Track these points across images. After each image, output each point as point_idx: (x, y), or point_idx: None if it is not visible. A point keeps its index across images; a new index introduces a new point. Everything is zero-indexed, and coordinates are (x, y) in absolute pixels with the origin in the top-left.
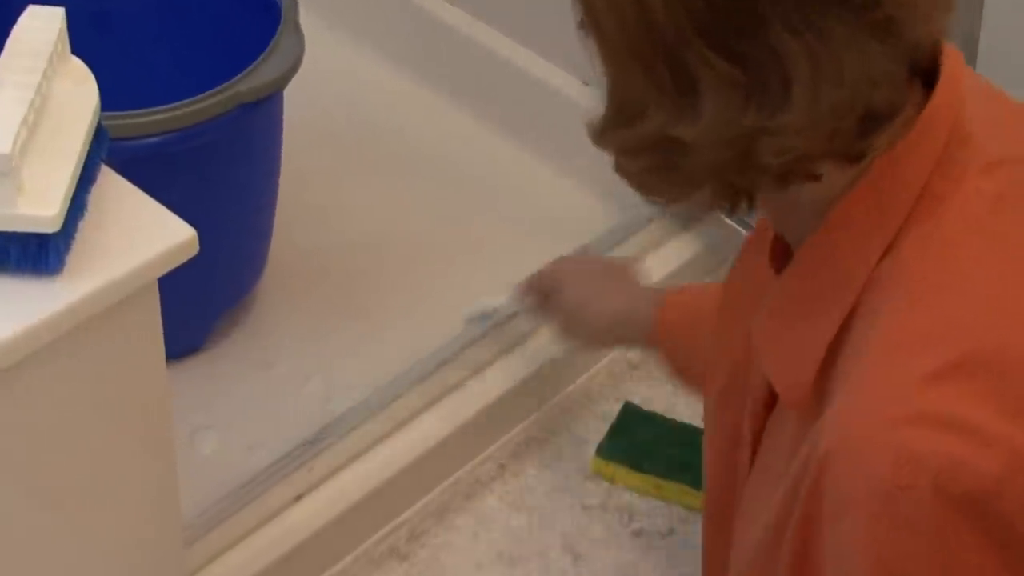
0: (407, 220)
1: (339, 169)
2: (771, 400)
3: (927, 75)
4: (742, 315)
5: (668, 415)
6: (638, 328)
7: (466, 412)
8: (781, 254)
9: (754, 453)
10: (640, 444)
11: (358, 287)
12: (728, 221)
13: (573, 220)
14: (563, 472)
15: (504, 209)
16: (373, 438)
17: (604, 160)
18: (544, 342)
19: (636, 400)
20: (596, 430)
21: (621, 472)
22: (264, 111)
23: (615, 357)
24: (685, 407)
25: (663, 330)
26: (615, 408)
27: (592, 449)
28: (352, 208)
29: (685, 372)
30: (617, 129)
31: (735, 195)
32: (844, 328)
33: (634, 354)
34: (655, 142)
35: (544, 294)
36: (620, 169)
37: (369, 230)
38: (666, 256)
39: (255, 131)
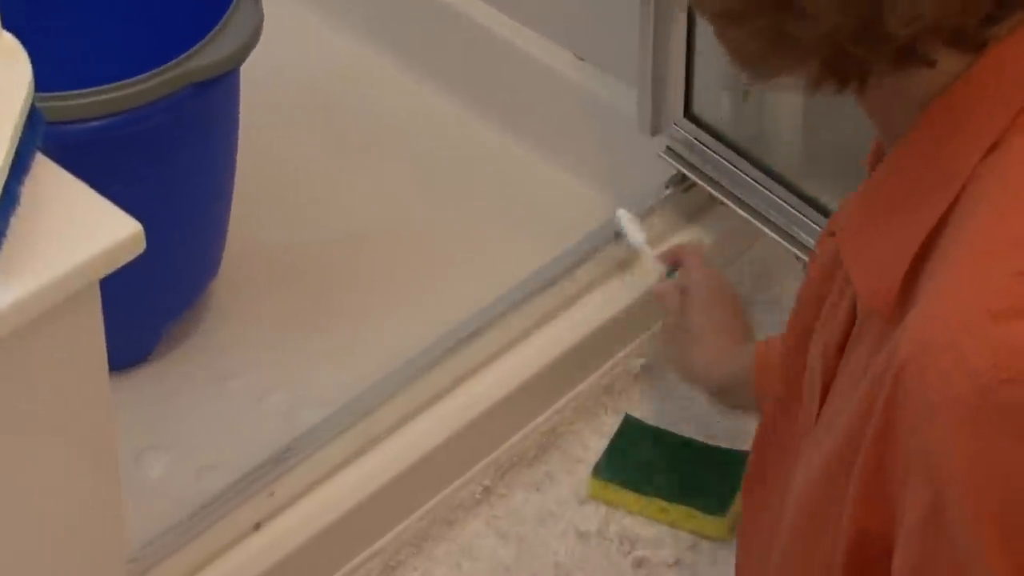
0: (382, 212)
1: (304, 155)
2: (845, 340)
3: None
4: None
5: (674, 430)
6: (739, 395)
7: (447, 427)
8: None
9: (820, 406)
10: (642, 463)
11: (326, 288)
12: (739, 212)
13: (568, 211)
14: (556, 495)
15: (492, 200)
16: (342, 458)
17: (601, 145)
18: (536, 348)
19: (638, 413)
20: (593, 447)
21: (621, 494)
22: (218, 91)
23: (613, 364)
24: (693, 421)
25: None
26: (614, 422)
27: (588, 469)
28: (319, 199)
29: None
30: None
31: (846, 72)
32: (937, 229)
33: (635, 361)
34: (764, 3)
35: (679, 286)
36: (720, 35)
37: (339, 223)
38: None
39: (208, 113)
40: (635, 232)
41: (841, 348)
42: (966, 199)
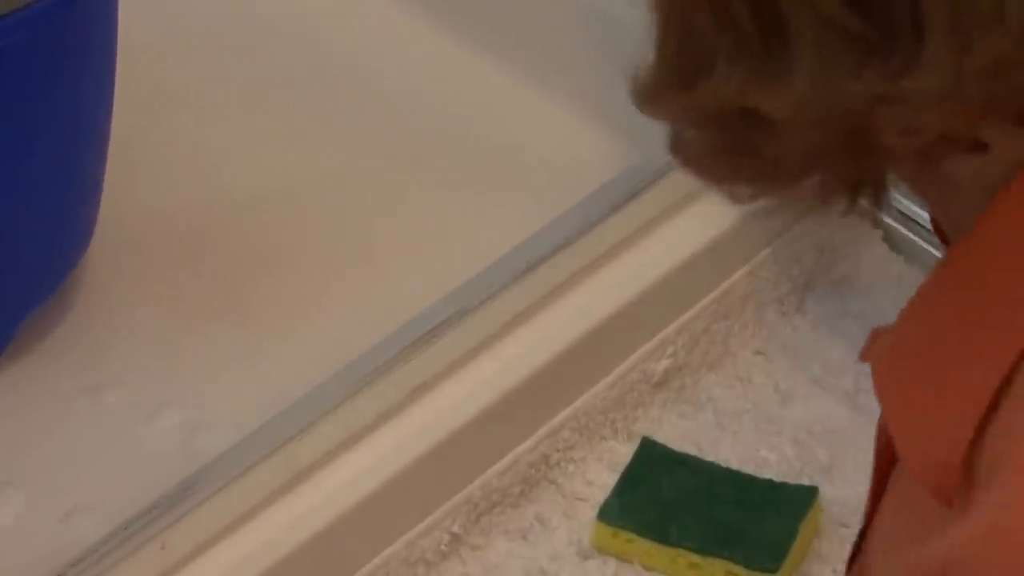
0: (320, 166)
1: (208, 93)
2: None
3: None
4: None
5: (709, 457)
6: None
7: (402, 455)
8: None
9: (879, 485)
10: (665, 502)
11: (237, 268)
12: None
13: (571, 164)
14: (549, 545)
15: (472, 149)
16: (259, 497)
17: (614, 77)
18: (523, 347)
19: (659, 436)
20: (598, 482)
21: (636, 544)
22: (86, 6)
23: (626, 368)
24: (735, 444)
25: None
26: (628, 448)
27: (593, 510)
28: (230, 148)
29: None
30: (672, 90)
31: (852, 187)
32: (1007, 380)
33: (656, 364)
34: (727, 114)
35: None
36: (677, 150)
37: (258, 181)
38: (702, 215)
39: (73, 36)
40: None
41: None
42: None
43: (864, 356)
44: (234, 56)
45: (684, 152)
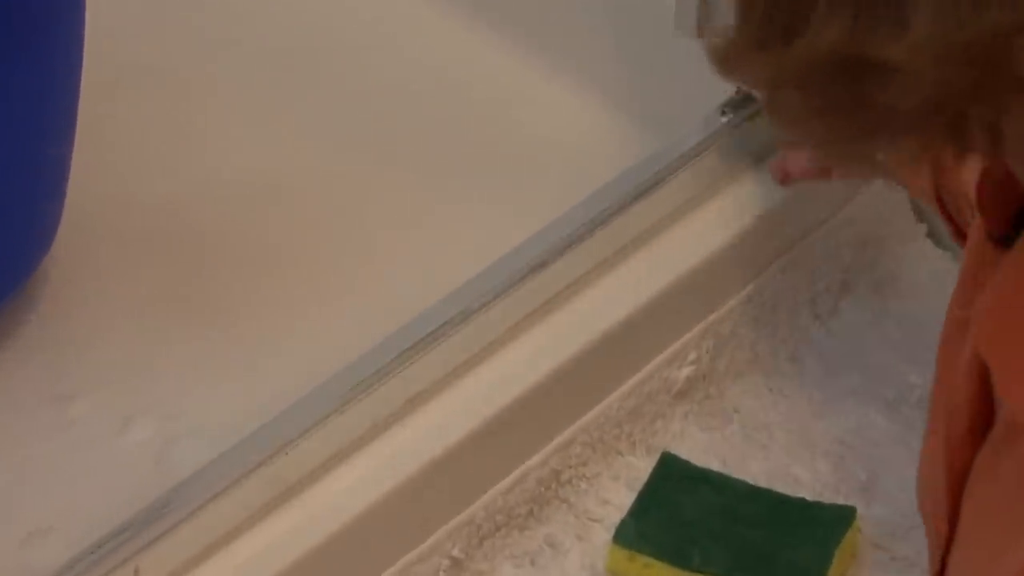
0: (312, 157)
1: (186, 73)
2: (975, 428)
3: None
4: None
5: (737, 474)
6: None
7: (397, 473)
8: (1003, 216)
9: (953, 512)
10: (688, 523)
11: (217, 267)
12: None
13: (585, 152)
14: (559, 570)
15: (476, 136)
16: (241, 517)
17: (626, 56)
18: (530, 352)
19: (680, 451)
20: (614, 501)
21: (655, 569)
22: None
23: (645, 375)
24: (761, 460)
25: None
26: (646, 464)
27: (608, 532)
28: (210, 136)
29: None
30: (766, 48)
31: (968, 134)
32: None
33: (678, 371)
34: (832, 67)
35: None
36: (773, 113)
37: (239, 173)
38: (728, 207)
39: (36, 11)
40: None
41: (972, 438)
42: None
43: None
44: (216, 31)
45: (781, 115)
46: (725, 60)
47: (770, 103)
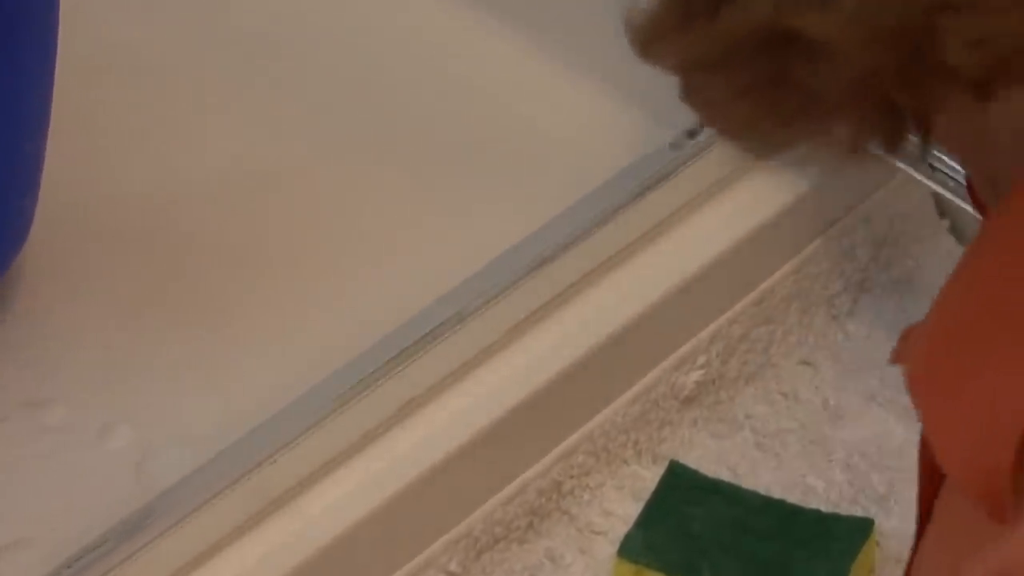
0: (299, 149)
1: (165, 60)
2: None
3: None
4: None
5: (748, 484)
6: None
7: (390, 483)
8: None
9: (924, 516)
10: (695, 536)
11: (198, 267)
12: None
13: (588, 145)
14: None
15: (476, 129)
16: (225, 530)
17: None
18: (530, 355)
19: (691, 460)
20: (619, 512)
21: None
22: None
23: (652, 381)
24: (774, 469)
25: None
26: (653, 474)
27: (613, 545)
28: (191, 127)
29: None
30: (686, 25)
31: (895, 124)
32: None
33: (687, 376)
34: (756, 45)
35: None
36: (692, 96)
37: (222, 167)
38: (739, 203)
39: (3, 6)
40: None
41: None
42: None
43: (895, 358)
44: (204, 20)
45: (701, 97)
46: (647, 41)
47: (689, 87)
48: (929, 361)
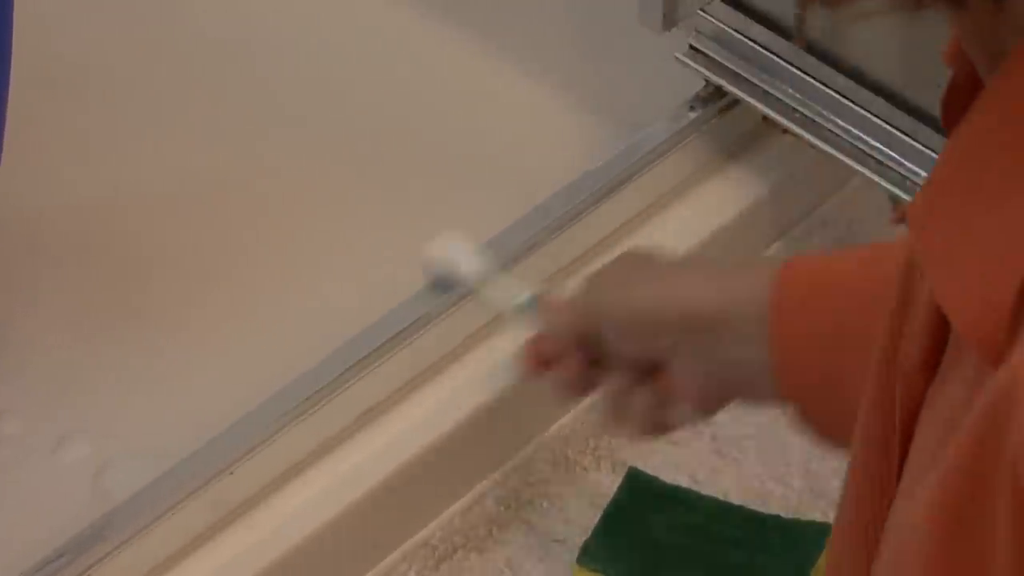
0: (250, 159)
1: (114, 70)
2: (928, 364)
3: None
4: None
5: (708, 490)
6: (737, 331)
7: (347, 493)
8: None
9: (904, 453)
10: (655, 543)
11: (152, 277)
12: (808, 139)
13: (546, 151)
14: None
15: (431, 134)
16: (182, 543)
17: (590, 50)
18: (487, 362)
19: (648, 467)
20: (577, 520)
21: None
22: None
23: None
24: (739, 475)
25: (786, 327)
26: (612, 481)
27: (572, 554)
28: (142, 138)
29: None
30: None
31: None
32: None
33: None
34: None
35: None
36: None
37: (174, 177)
38: (698, 207)
39: None
40: (464, 258)
41: (925, 374)
42: None
43: (897, 216)
44: (151, 28)
45: None
46: None
47: None
48: (933, 205)
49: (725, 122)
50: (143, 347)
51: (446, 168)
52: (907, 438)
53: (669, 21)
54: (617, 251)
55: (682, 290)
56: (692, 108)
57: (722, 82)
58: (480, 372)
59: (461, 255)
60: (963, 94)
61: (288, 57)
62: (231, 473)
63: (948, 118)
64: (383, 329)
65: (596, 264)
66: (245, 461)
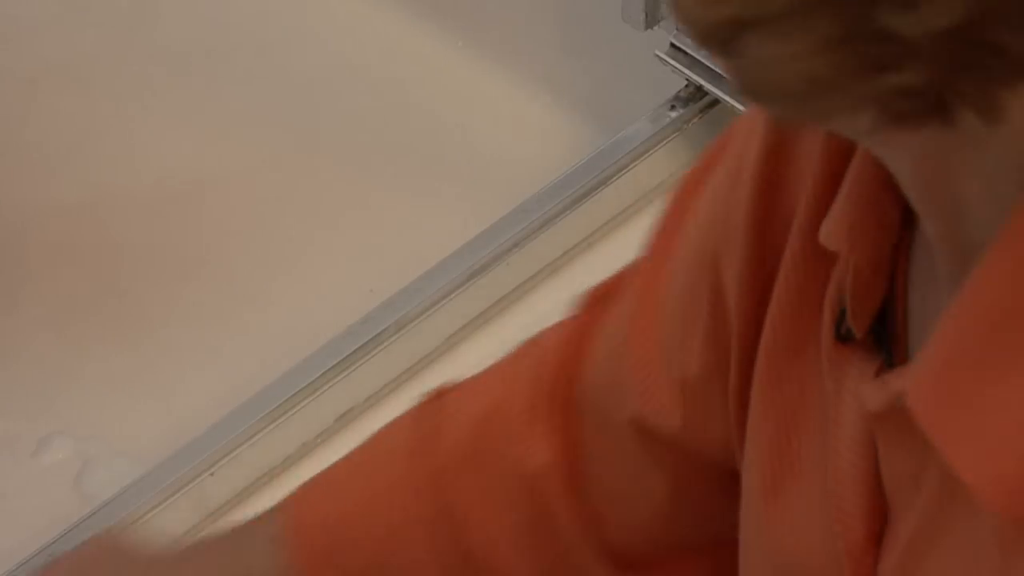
0: (234, 158)
1: (98, 70)
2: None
3: None
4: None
5: None
6: None
7: None
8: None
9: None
10: None
11: (134, 277)
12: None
13: (528, 151)
14: None
15: (414, 136)
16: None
17: (572, 51)
18: (472, 362)
19: None
20: None
21: None
22: None
23: None
24: None
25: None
26: None
27: None
28: (126, 137)
29: None
30: None
31: (948, 96)
32: None
33: None
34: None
35: None
36: (744, 60)
37: (157, 176)
38: None
39: None
40: None
41: (871, 545)
42: None
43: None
44: (126, 27)
45: (757, 54)
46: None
47: (738, 46)
48: (939, 377)
49: (705, 121)
50: (124, 348)
51: (429, 168)
52: None
53: (651, 19)
54: (600, 249)
55: None
56: (673, 108)
57: (702, 81)
58: (458, 375)
59: None
60: (872, 288)
61: (270, 58)
62: (212, 474)
63: (860, 322)
64: (362, 331)
65: (578, 265)
66: (226, 462)
